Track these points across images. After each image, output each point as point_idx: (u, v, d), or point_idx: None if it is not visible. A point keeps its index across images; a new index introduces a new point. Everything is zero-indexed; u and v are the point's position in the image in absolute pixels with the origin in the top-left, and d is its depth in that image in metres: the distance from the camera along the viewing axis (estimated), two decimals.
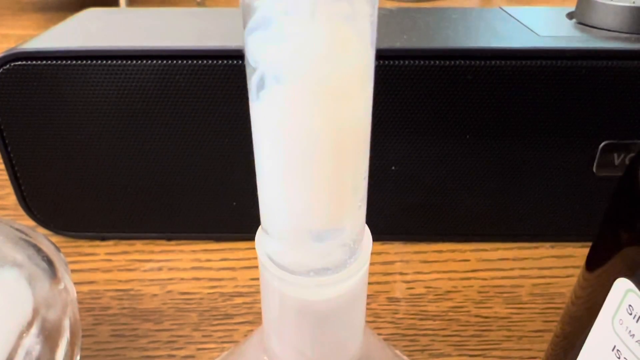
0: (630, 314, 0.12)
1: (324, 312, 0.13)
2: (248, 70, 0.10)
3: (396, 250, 0.30)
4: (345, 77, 0.10)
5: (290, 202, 0.11)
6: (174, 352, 0.24)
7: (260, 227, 0.13)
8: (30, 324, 0.17)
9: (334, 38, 0.09)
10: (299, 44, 0.09)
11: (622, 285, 0.12)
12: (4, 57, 0.25)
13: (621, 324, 0.13)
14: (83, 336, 0.24)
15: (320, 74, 0.10)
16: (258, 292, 0.27)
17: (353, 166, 0.11)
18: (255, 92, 0.10)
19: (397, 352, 0.19)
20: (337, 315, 0.13)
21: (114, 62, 0.25)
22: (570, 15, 0.30)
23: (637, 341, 0.12)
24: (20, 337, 0.16)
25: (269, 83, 0.10)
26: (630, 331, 0.12)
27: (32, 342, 0.16)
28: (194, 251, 0.30)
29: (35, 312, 0.17)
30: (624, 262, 0.13)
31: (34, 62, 0.25)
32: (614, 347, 0.13)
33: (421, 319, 0.25)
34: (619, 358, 0.13)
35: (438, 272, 0.28)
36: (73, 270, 0.28)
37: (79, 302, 0.26)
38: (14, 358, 0.16)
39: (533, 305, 0.26)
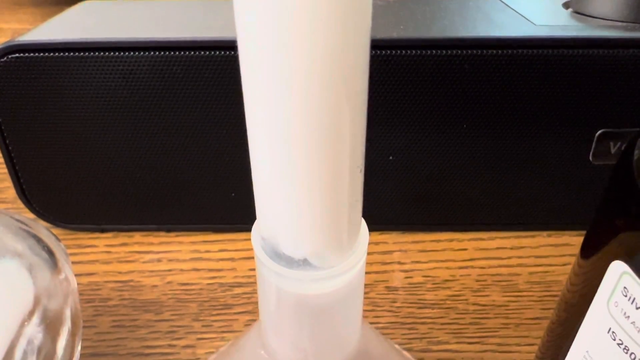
0: (625, 296, 0.12)
1: (321, 307, 0.13)
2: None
3: (394, 240, 0.30)
4: None
5: (284, 195, 0.11)
6: (174, 342, 0.24)
7: (255, 222, 0.13)
8: (31, 313, 0.17)
9: None
10: None
11: (617, 268, 0.13)
12: (2, 49, 0.25)
13: (616, 306, 0.13)
14: (83, 327, 0.24)
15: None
16: None
17: (348, 155, 0.11)
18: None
19: (396, 346, 0.19)
20: (334, 309, 0.13)
21: (112, 53, 0.25)
22: (566, 5, 0.30)
23: (632, 322, 0.12)
24: (21, 326, 0.16)
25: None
26: (625, 313, 0.12)
27: (33, 331, 0.17)
28: (193, 242, 0.30)
29: (37, 301, 0.17)
30: (620, 247, 0.13)
31: (32, 54, 0.25)
32: (609, 329, 0.13)
33: (419, 308, 0.25)
34: (614, 340, 0.13)
35: (436, 261, 0.28)
36: (73, 262, 0.28)
37: (79, 294, 0.26)
38: (15, 347, 0.16)
39: (530, 293, 0.26)
